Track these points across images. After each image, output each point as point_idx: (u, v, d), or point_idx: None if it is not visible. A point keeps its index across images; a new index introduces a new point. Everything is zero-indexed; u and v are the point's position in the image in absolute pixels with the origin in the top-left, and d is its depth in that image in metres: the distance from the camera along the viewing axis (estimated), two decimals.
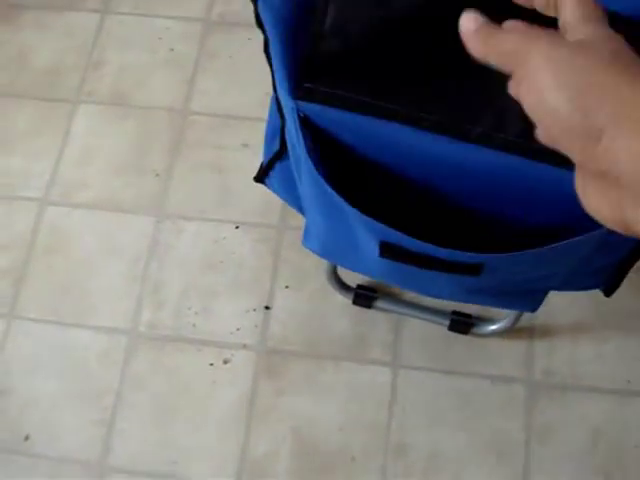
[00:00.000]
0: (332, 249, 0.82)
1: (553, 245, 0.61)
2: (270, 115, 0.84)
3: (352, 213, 0.63)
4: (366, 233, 0.66)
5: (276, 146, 0.81)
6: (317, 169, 0.63)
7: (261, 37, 1.33)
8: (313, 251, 0.85)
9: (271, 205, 1.22)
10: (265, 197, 1.22)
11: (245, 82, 1.32)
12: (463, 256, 0.62)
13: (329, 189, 0.63)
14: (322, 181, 0.63)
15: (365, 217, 0.62)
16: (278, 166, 0.85)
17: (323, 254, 0.90)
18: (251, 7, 1.36)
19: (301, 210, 0.87)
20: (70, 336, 1.16)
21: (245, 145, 1.27)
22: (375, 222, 0.62)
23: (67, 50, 1.37)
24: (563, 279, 0.76)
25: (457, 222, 0.67)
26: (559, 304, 1.14)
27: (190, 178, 1.25)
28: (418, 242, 0.61)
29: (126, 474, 1.09)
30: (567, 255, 0.66)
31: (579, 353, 1.13)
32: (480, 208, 0.66)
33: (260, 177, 0.91)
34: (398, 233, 0.61)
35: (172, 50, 1.36)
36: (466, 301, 0.86)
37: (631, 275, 0.81)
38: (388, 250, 0.65)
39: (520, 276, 0.72)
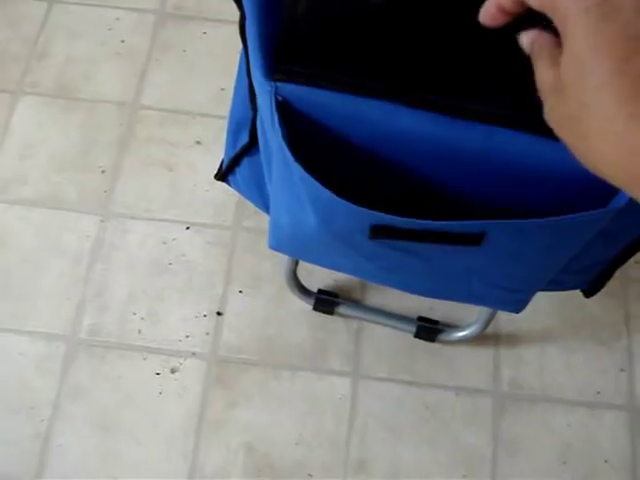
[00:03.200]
0: (299, 248, 0.75)
1: (558, 218, 0.55)
2: (234, 108, 0.78)
3: (335, 203, 0.57)
4: (350, 221, 0.60)
5: (244, 139, 0.74)
6: (294, 156, 0.56)
7: (216, 32, 1.28)
8: (280, 251, 0.79)
9: (224, 205, 1.15)
10: (218, 197, 1.15)
11: (199, 77, 1.25)
12: (464, 226, 0.56)
13: (310, 179, 0.56)
14: (300, 171, 0.57)
15: (353, 206, 0.56)
16: (246, 161, 0.78)
17: (291, 253, 0.83)
18: (207, 1, 1.29)
19: (266, 209, 0.80)
20: (4, 341, 1.06)
21: (198, 142, 1.20)
22: (366, 210, 0.56)
23: (10, 39, 1.28)
24: (552, 277, 0.70)
25: (453, 208, 0.61)
26: (525, 312, 1.09)
27: (138, 176, 1.17)
28: (415, 220, 0.55)
29: None
30: (572, 234, 0.60)
31: (547, 363, 1.08)
32: (479, 192, 0.60)
33: (223, 174, 0.84)
34: (394, 217, 0.55)
35: (122, 42, 1.28)
36: (446, 297, 0.80)
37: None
38: (379, 232, 0.59)
39: (517, 264, 0.66)
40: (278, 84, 0.55)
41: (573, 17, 0.35)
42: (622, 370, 1.08)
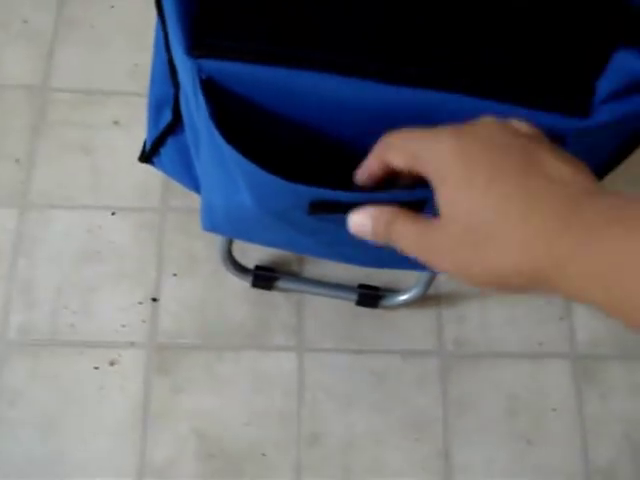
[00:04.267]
0: (234, 228, 0.72)
1: None
2: (153, 85, 0.73)
3: (271, 181, 0.54)
4: (287, 198, 0.57)
5: (167, 118, 0.70)
6: (224, 136, 0.53)
7: (125, 4, 1.22)
8: (215, 232, 0.75)
9: (149, 186, 1.11)
10: (142, 178, 1.11)
11: (110, 53, 1.19)
12: (405, 195, 0.55)
13: (243, 160, 0.53)
14: (232, 152, 0.53)
15: (291, 184, 0.53)
16: (171, 141, 0.74)
17: (226, 233, 0.80)
18: None
19: (196, 189, 0.77)
20: None
21: (115, 122, 1.14)
22: (304, 187, 0.53)
23: None
24: None
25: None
26: None
27: (55, 162, 1.12)
28: (356, 194, 0.52)
29: None
30: None
31: (489, 319, 1.08)
32: None
33: (147, 156, 0.80)
34: (334, 191, 0.53)
35: (25, 22, 1.21)
36: (390, 266, 0.78)
37: None
38: (319, 208, 0.56)
39: None
40: (200, 61, 0.52)
41: (438, 156, 0.40)
42: (561, 319, 1.09)
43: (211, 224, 0.72)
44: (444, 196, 0.39)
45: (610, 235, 0.33)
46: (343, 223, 0.64)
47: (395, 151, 0.43)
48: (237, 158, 0.54)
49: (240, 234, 0.78)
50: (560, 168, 0.37)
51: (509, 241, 0.36)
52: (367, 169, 0.47)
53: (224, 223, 0.71)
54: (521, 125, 0.42)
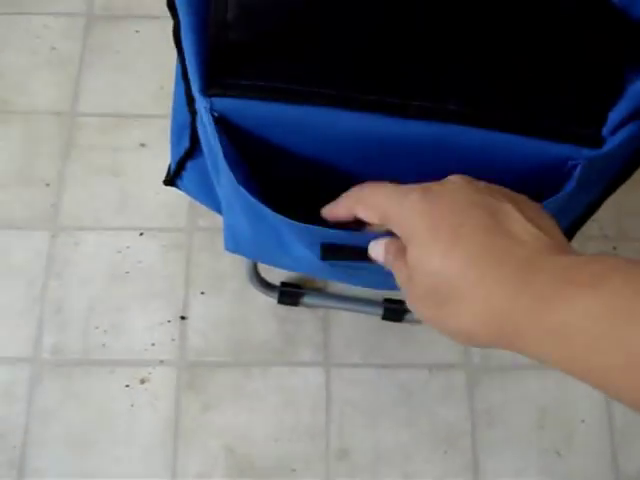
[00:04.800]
0: (259, 251, 0.73)
1: None
2: (175, 110, 0.74)
3: (285, 223, 0.55)
4: (302, 239, 0.58)
5: (185, 143, 0.72)
6: (237, 178, 0.54)
7: (148, 29, 1.24)
8: (238, 254, 0.77)
9: (176, 207, 1.13)
10: (169, 199, 1.13)
11: (136, 77, 1.22)
12: None
13: (254, 200, 0.54)
14: (244, 192, 0.54)
15: (302, 225, 0.54)
16: (190, 165, 0.75)
17: (250, 256, 0.81)
18: None
19: (219, 210, 0.78)
20: None
21: (142, 145, 1.17)
22: (315, 228, 0.54)
23: None
24: None
25: None
26: None
27: (84, 185, 1.14)
28: (367, 236, 0.53)
29: None
30: None
31: None
32: None
33: (171, 180, 0.81)
34: (343, 233, 0.53)
35: (54, 49, 1.24)
36: None
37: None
38: (330, 252, 0.57)
39: None
40: (213, 99, 0.53)
41: (406, 216, 0.42)
42: None
43: (234, 246, 0.73)
44: (410, 255, 0.41)
45: (559, 297, 0.34)
46: (356, 267, 0.64)
47: (365, 207, 0.46)
48: (249, 199, 0.55)
49: (263, 258, 0.79)
50: (524, 227, 0.39)
51: (468, 303, 0.37)
52: (334, 216, 0.50)
53: (247, 247, 0.72)
54: (489, 184, 0.43)
